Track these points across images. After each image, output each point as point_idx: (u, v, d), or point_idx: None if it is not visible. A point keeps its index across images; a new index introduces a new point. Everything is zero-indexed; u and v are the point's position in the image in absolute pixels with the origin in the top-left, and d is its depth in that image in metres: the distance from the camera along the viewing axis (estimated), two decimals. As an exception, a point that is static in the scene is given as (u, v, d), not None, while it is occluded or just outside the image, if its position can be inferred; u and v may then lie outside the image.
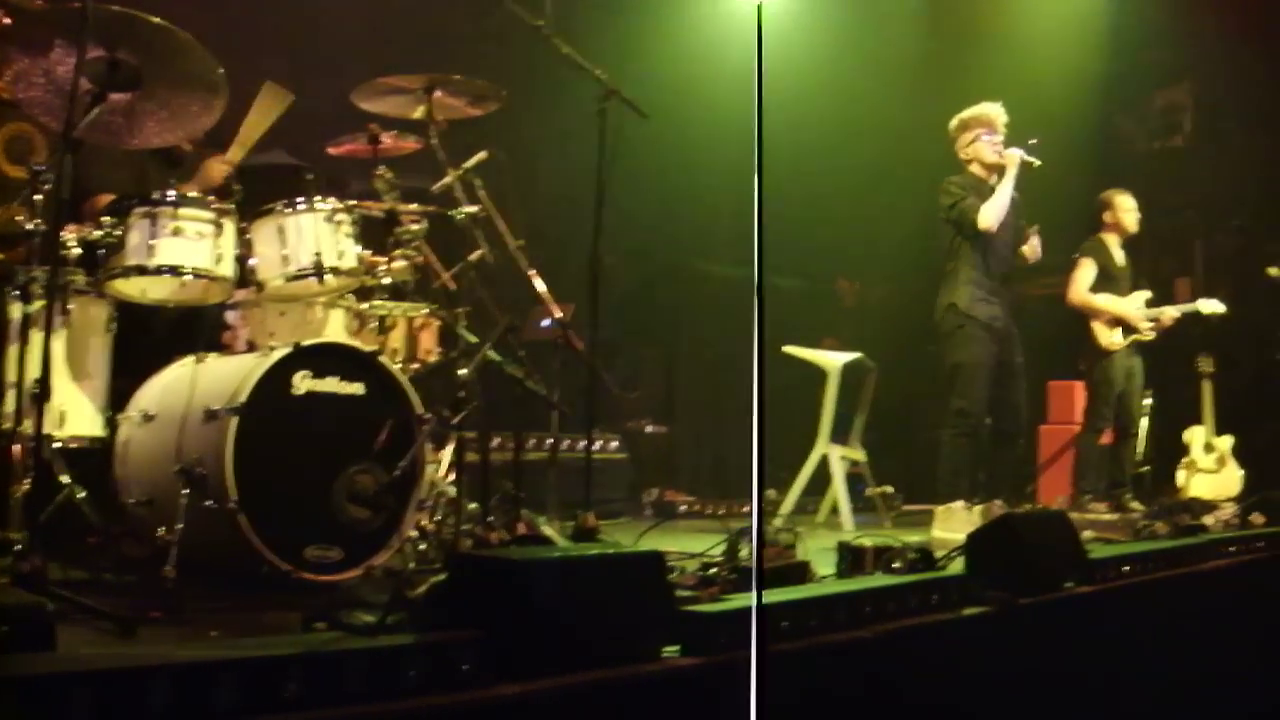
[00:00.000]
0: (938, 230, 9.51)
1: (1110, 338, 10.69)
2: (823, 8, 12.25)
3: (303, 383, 5.79)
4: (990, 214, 9.23)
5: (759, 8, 3.71)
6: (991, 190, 9.34)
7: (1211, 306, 11.02)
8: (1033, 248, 9.53)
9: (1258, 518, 9.39)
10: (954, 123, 9.56)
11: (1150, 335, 10.77)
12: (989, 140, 9.42)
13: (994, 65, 12.77)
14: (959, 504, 8.97)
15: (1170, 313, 10.87)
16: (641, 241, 12.21)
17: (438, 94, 7.12)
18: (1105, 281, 10.80)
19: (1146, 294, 10.92)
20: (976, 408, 9.16)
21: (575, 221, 7.66)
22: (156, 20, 5.66)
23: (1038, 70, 12.89)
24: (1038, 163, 9.31)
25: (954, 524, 8.77)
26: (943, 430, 9.38)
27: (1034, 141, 9.33)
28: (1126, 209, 10.94)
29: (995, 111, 9.50)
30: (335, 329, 6.52)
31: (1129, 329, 10.71)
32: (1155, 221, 11.82)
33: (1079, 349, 11.04)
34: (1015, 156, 9.27)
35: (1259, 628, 7.75)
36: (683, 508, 10.73)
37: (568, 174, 9.38)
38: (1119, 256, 10.94)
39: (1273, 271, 11.66)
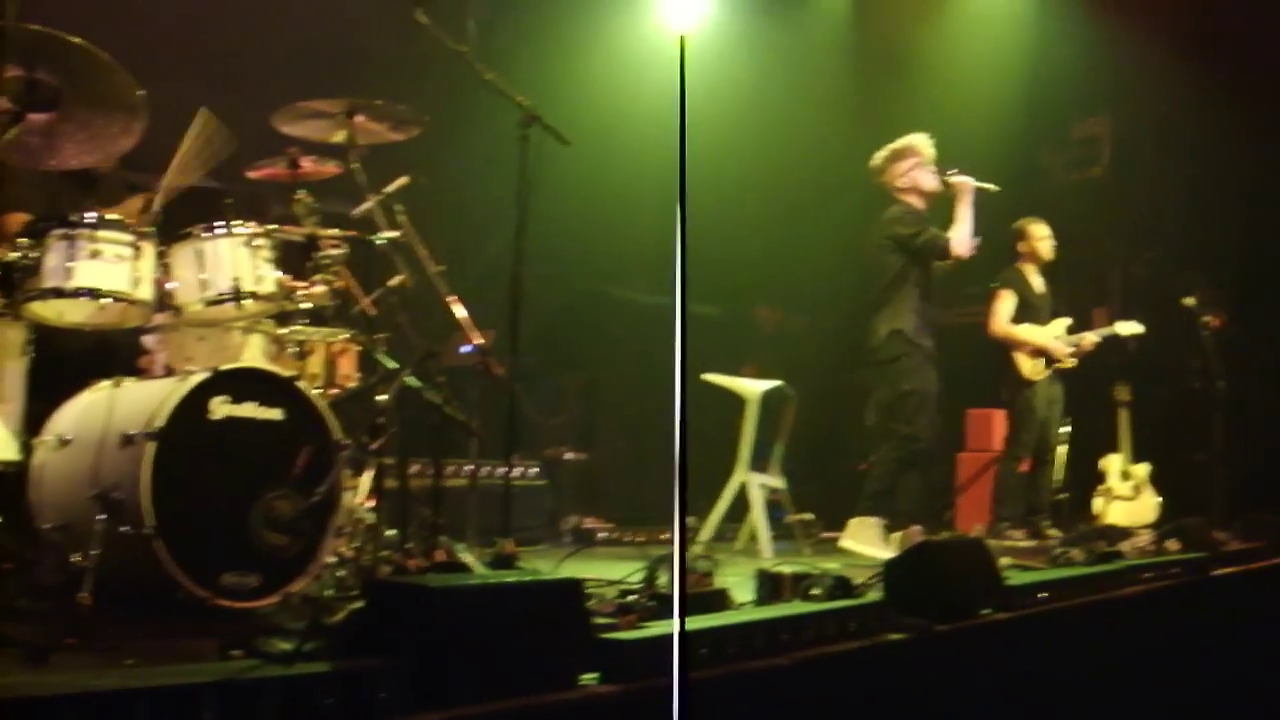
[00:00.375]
0: (870, 258, 9.55)
1: (1033, 367, 10.78)
2: (746, 40, 12.33)
3: (220, 408, 5.75)
4: (963, 240, 9.41)
5: (681, 38, 3.72)
6: (928, 219, 9.44)
7: (1130, 328, 11.17)
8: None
9: (1173, 544, 9.46)
10: (883, 154, 9.64)
11: (1072, 362, 10.88)
12: (926, 170, 9.50)
13: (916, 97, 12.90)
14: (874, 520, 9.05)
15: (1090, 338, 11.02)
16: (562, 268, 12.22)
17: (359, 118, 7.10)
18: (1025, 310, 10.90)
19: (1067, 321, 11.04)
20: (926, 434, 9.31)
21: (496, 248, 7.65)
22: (77, 40, 5.63)
23: (958, 102, 13.01)
24: (995, 188, 9.45)
25: (864, 536, 8.86)
26: (883, 449, 9.45)
27: (954, 171, 9.43)
28: (1041, 237, 11.07)
29: (923, 142, 9.63)
30: (254, 354, 6.48)
31: (1051, 358, 10.81)
32: (1073, 251, 11.93)
33: (997, 377, 11.13)
34: (967, 183, 9.40)
35: (1174, 653, 7.81)
36: (602, 535, 10.75)
37: (489, 200, 9.37)
38: (1037, 284, 11.05)
39: (1188, 301, 11.81)
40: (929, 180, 9.52)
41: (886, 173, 9.63)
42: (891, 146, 9.65)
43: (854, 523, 9.19)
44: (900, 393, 9.39)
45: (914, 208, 9.53)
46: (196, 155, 6.80)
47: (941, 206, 9.58)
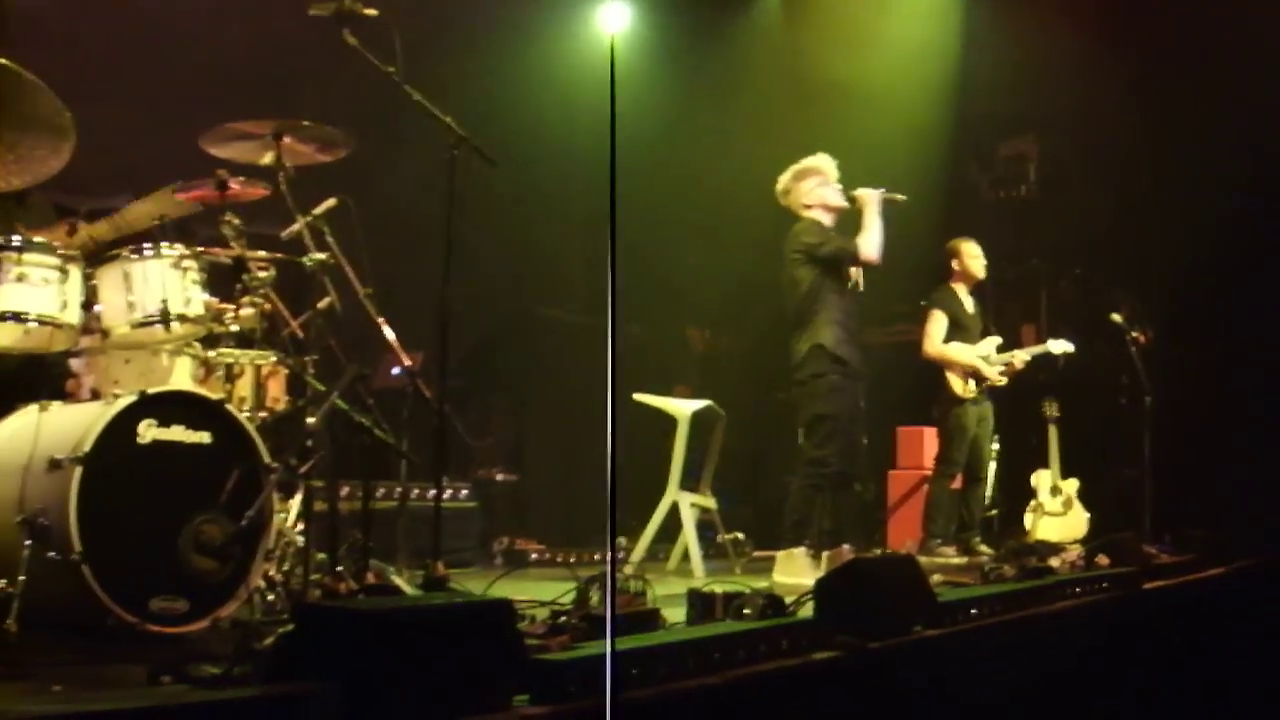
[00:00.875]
0: (785, 275, 9.47)
1: (966, 386, 10.80)
2: (675, 61, 12.38)
3: (148, 431, 5.73)
4: (872, 246, 9.34)
5: (612, 39, 3.73)
6: (835, 231, 9.48)
7: (1061, 346, 11.24)
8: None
9: (1103, 559, 9.49)
10: (787, 175, 9.59)
11: (1003, 380, 10.92)
12: (831, 187, 9.53)
13: (843, 115, 12.91)
14: (800, 550, 9.00)
15: (1022, 356, 11.07)
16: (491, 289, 12.22)
17: (287, 139, 7.07)
18: (956, 330, 10.91)
19: (997, 340, 11.07)
20: (834, 460, 9.17)
21: (425, 269, 7.63)
22: (3, 62, 5.60)
23: (885, 120, 13.07)
24: (903, 198, 9.44)
25: (795, 569, 8.81)
26: (792, 477, 9.41)
27: (883, 189, 9.44)
28: (973, 256, 11.09)
29: (826, 162, 9.60)
30: (182, 377, 6.47)
31: (982, 376, 10.84)
32: (1001, 270, 12.00)
33: (928, 395, 11.16)
34: (872, 194, 9.42)
35: (1105, 668, 7.85)
36: (533, 556, 10.73)
37: (418, 221, 9.34)
38: (968, 304, 11.08)
39: (1115, 317, 11.87)
40: (835, 196, 9.50)
41: (792, 193, 9.58)
42: (794, 168, 9.63)
43: (781, 556, 9.12)
44: (814, 416, 9.30)
45: (821, 222, 9.56)
46: (144, 214, 6.80)
47: (852, 220, 9.55)
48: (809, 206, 9.50)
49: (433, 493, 7.39)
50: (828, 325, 9.26)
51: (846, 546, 9.16)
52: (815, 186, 9.50)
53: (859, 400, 9.48)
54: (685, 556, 10.09)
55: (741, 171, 12.61)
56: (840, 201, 9.46)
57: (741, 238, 13.01)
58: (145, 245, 6.21)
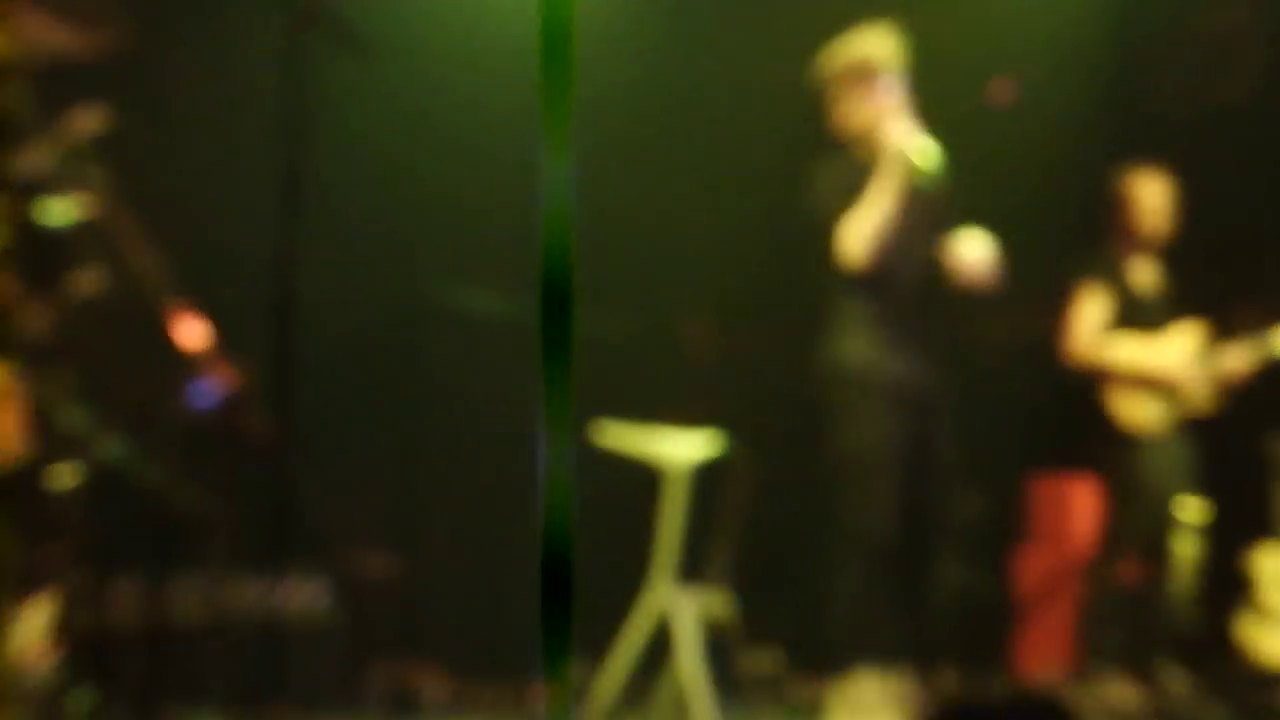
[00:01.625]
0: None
1: (1142, 411, 10.65)
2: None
3: None
4: (859, 241, 8.97)
5: None
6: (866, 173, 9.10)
7: (1299, 343, 11.04)
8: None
9: (1372, 696, 9.57)
10: (824, 77, 9.35)
11: (1209, 402, 10.77)
12: (869, 98, 9.19)
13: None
14: (867, 675, 8.90)
15: (1237, 360, 10.84)
16: (365, 263, 12.22)
17: (23, 16, 7.08)
18: (1126, 316, 10.73)
19: (1195, 332, 10.89)
20: (880, 523, 9.03)
21: (254, 230, 7.66)
22: None
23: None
24: (929, 167, 8.82)
25: (862, 706, 8.80)
26: (832, 560, 9.29)
27: (911, 138, 8.95)
28: (1153, 200, 10.92)
29: (874, 47, 9.25)
30: None
31: (1174, 393, 10.70)
32: (1200, 220, 11.99)
33: (1086, 429, 11.10)
34: (897, 139, 8.93)
35: None
36: (431, 695, 10.73)
37: (243, 153, 9.37)
38: (1145, 276, 10.92)
39: (1389, 296, 11.84)
40: (864, 116, 9.17)
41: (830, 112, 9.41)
42: (831, 66, 9.30)
43: (837, 688, 9.03)
44: (834, 459, 9.23)
45: (857, 161, 9.18)
46: None
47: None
48: (841, 141, 9.33)
49: (266, 594, 7.42)
50: (853, 332, 9.17)
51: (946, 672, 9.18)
52: (848, 99, 9.26)
53: (935, 437, 9.25)
54: (682, 695, 10.11)
55: (770, 81, 12.55)
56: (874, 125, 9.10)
57: (769, 183, 12.92)
58: None
